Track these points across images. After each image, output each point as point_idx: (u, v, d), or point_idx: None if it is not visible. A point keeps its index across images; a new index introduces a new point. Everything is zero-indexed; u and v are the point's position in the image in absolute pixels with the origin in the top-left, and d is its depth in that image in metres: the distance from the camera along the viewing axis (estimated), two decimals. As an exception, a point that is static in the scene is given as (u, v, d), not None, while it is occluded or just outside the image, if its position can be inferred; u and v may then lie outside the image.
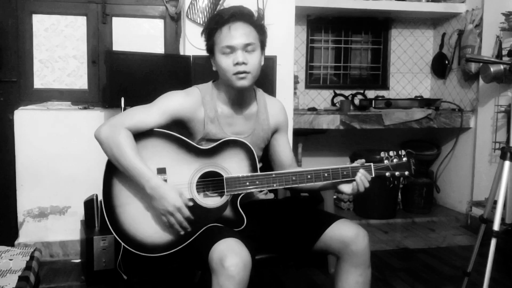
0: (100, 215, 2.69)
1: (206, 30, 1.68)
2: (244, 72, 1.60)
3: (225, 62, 1.61)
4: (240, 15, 1.62)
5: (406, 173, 1.63)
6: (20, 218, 2.91)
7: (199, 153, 1.63)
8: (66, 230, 2.95)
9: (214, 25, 1.63)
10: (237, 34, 1.60)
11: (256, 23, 1.65)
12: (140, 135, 1.60)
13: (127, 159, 1.52)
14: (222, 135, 1.67)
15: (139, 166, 1.52)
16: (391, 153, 1.65)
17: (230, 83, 1.63)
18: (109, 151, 1.56)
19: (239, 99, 1.71)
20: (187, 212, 1.53)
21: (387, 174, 1.64)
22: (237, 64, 1.59)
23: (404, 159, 1.64)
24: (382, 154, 1.65)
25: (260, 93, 1.80)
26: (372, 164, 1.64)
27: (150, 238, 1.58)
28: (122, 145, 1.53)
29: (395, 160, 1.64)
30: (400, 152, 1.65)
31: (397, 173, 1.63)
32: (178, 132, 1.65)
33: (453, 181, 4.10)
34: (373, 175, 1.63)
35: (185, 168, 1.61)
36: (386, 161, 1.64)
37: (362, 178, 1.61)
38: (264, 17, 1.71)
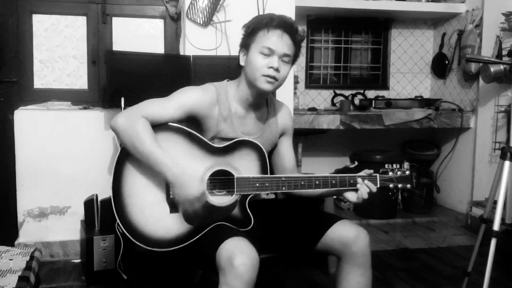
0: (100, 215, 2.69)
1: (250, 26, 1.67)
2: (274, 78, 1.62)
3: (260, 62, 1.62)
4: (290, 28, 1.64)
5: (408, 186, 1.68)
6: (20, 218, 2.91)
7: (211, 150, 1.63)
8: (66, 230, 2.95)
9: (262, 25, 1.63)
10: (281, 42, 1.62)
11: (298, 41, 1.67)
12: (154, 128, 1.59)
13: (147, 147, 1.52)
14: (234, 135, 1.68)
15: (160, 154, 1.52)
16: (394, 165, 1.70)
17: (255, 83, 1.64)
18: (128, 139, 1.55)
19: (254, 101, 1.71)
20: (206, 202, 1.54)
21: (391, 185, 1.68)
22: (271, 68, 1.61)
23: (407, 172, 1.69)
24: (386, 166, 1.70)
25: (270, 96, 1.81)
26: (378, 175, 1.67)
27: (157, 233, 1.58)
28: (141, 133, 1.53)
29: (398, 173, 1.69)
30: (403, 165, 1.70)
31: (400, 185, 1.68)
32: (189, 128, 1.65)
33: (453, 181, 4.10)
34: (378, 186, 1.66)
35: (197, 165, 1.61)
36: (390, 173, 1.69)
37: (364, 187, 1.63)
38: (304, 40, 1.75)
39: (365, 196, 1.63)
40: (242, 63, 1.69)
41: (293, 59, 1.70)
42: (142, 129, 1.54)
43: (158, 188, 1.59)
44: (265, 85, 1.63)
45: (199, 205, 1.53)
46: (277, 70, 1.61)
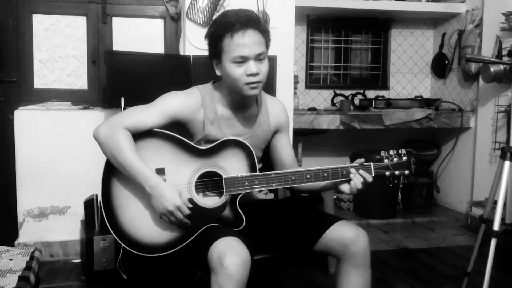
0: (100, 215, 2.69)
1: (212, 35, 1.61)
2: (258, 82, 1.59)
3: (237, 72, 1.57)
4: (251, 22, 1.56)
5: (406, 172, 1.61)
6: (20, 218, 2.91)
7: (198, 153, 1.62)
8: (66, 230, 2.95)
9: (222, 32, 1.57)
10: (250, 44, 1.55)
11: (263, 29, 1.61)
12: (139, 135, 1.59)
13: (126, 158, 1.52)
14: (222, 137, 1.66)
15: (138, 166, 1.52)
16: (391, 152, 1.63)
17: (240, 92, 1.61)
18: (107, 150, 1.55)
19: (241, 102, 1.69)
20: (187, 211, 1.53)
21: (387, 173, 1.62)
22: (250, 75, 1.56)
23: (404, 158, 1.62)
24: (382, 153, 1.63)
25: (261, 93, 1.78)
26: (372, 163, 1.62)
27: (149, 239, 1.58)
28: (121, 144, 1.53)
29: (395, 159, 1.62)
30: (400, 151, 1.64)
31: (397, 172, 1.61)
32: (177, 133, 1.64)
33: (453, 181, 4.10)
34: (373, 175, 1.61)
35: (184, 168, 1.61)
36: (386, 160, 1.62)
37: (357, 177, 1.59)
38: (269, 20, 1.67)
39: (359, 186, 1.58)
40: (218, 73, 1.65)
41: (267, 47, 1.62)
42: (122, 141, 1.53)
43: (147, 194, 1.58)
44: (251, 92, 1.60)
45: (179, 214, 1.52)
46: (257, 74, 1.57)
